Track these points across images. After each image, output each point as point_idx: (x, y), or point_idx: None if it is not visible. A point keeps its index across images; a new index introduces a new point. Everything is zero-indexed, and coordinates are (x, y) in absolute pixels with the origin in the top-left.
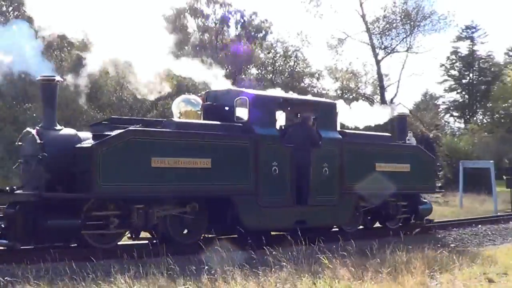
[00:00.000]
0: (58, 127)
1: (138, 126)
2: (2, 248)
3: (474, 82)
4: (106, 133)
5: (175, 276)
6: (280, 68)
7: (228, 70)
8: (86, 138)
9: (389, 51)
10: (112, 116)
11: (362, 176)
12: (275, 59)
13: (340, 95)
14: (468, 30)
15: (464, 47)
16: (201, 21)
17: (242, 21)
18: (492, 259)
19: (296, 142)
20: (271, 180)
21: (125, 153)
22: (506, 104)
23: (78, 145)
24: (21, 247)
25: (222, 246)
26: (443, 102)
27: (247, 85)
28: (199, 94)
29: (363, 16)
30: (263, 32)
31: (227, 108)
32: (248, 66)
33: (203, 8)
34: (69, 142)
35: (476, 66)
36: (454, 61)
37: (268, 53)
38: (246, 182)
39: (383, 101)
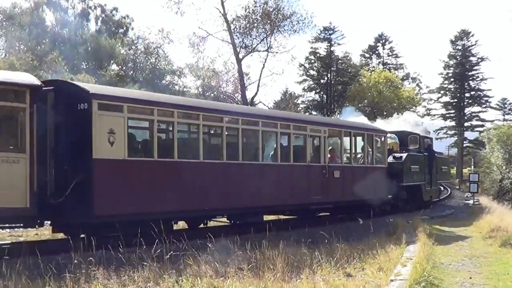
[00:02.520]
0: None
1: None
2: None
3: (332, 82)
4: (398, 155)
5: (33, 277)
6: (141, 65)
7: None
8: None
9: (250, 50)
10: None
11: (439, 174)
12: (136, 55)
13: (201, 93)
14: (326, 32)
15: (322, 48)
16: (60, 15)
17: (103, 16)
18: (351, 254)
19: (429, 156)
20: (427, 175)
21: (406, 164)
22: (361, 104)
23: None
24: None
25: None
26: (302, 101)
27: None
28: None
29: (224, 15)
30: (124, 28)
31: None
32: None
33: (62, 1)
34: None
35: (334, 67)
36: (313, 61)
37: (129, 49)
38: (424, 176)
39: (244, 100)
